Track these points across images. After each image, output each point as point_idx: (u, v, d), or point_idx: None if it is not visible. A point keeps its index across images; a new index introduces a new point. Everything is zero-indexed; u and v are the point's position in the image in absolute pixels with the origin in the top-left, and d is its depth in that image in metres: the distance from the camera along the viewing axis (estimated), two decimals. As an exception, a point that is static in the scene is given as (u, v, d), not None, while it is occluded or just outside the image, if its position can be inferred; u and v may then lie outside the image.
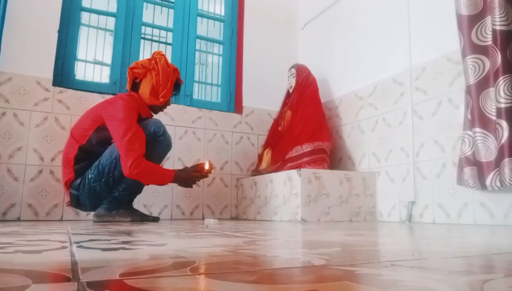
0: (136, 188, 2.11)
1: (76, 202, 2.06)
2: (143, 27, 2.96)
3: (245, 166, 3.05)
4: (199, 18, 3.20)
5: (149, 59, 2.13)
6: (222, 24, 3.31)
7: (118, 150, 1.95)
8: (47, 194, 2.37)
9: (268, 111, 3.18)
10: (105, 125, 2.01)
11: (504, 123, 1.59)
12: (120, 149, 1.92)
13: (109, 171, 1.98)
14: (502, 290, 0.40)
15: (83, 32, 2.78)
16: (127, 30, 2.85)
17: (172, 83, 2.17)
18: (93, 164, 2.01)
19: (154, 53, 2.20)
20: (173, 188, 2.72)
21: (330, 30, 3.07)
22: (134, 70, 2.10)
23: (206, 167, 2.13)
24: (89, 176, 2.00)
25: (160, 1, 3.09)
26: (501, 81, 1.62)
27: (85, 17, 2.81)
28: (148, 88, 2.08)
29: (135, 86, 2.14)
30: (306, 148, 2.56)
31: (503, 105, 1.60)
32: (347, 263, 0.55)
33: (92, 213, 2.11)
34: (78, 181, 2.01)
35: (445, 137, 2.02)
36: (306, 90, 2.78)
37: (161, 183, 2.09)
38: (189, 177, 2.10)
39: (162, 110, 2.27)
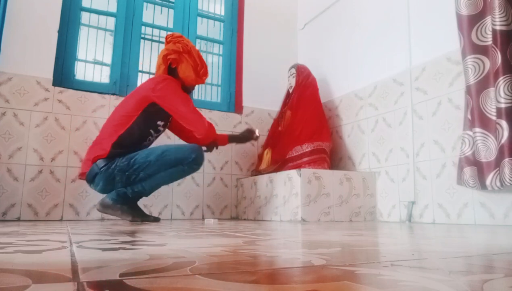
0: (146, 193, 2.13)
1: (91, 178, 2.07)
2: (143, 27, 2.96)
3: (245, 166, 3.05)
4: (199, 18, 3.20)
5: (174, 43, 2.16)
6: (222, 24, 3.31)
7: (185, 122, 2.10)
8: (47, 194, 2.37)
9: (268, 111, 3.18)
10: (150, 108, 2.07)
11: (504, 123, 1.59)
12: (186, 119, 2.09)
13: (137, 169, 2.03)
14: (502, 290, 0.40)
15: (83, 32, 2.78)
16: (127, 30, 2.85)
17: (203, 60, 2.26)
18: (128, 154, 2.05)
19: (171, 36, 2.21)
20: (172, 188, 2.72)
21: (330, 30, 3.07)
22: (169, 57, 2.14)
23: (256, 133, 2.50)
24: (118, 163, 2.03)
25: (160, 1, 3.09)
26: (501, 81, 1.62)
27: (85, 17, 2.81)
28: (190, 70, 2.16)
29: (170, 73, 2.19)
30: (306, 148, 2.56)
31: (503, 105, 1.60)
32: (347, 263, 0.55)
33: (92, 213, 2.10)
34: (105, 162, 2.03)
35: (445, 137, 2.02)
36: (306, 90, 2.78)
37: (224, 143, 2.43)
38: (243, 137, 2.49)
39: (192, 90, 2.34)
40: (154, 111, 2.10)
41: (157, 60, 2.22)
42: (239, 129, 3.07)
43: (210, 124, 2.16)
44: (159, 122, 2.18)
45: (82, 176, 2.15)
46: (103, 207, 2.06)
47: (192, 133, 2.22)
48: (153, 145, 2.23)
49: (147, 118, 2.10)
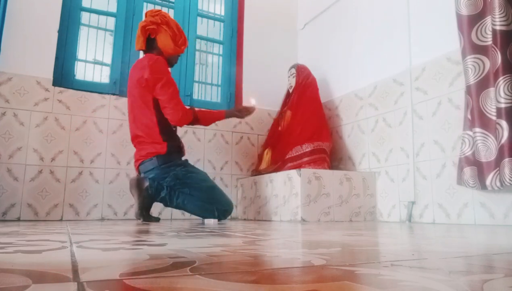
0: (173, 204, 2.21)
1: (148, 170, 2.15)
2: (143, 27, 2.96)
3: (245, 166, 3.05)
4: (199, 18, 3.20)
5: (152, 16, 2.21)
6: (222, 24, 3.31)
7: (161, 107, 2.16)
8: (47, 194, 2.37)
9: (268, 111, 3.18)
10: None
11: (504, 123, 1.59)
12: (163, 107, 2.15)
13: (188, 184, 2.17)
14: (502, 290, 0.40)
15: (83, 32, 2.78)
16: (127, 30, 2.85)
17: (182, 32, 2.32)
18: (188, 168, 2.23)
19: (150, 12, 2.26)
20: (173, 188, 2.72)
21: (330, 30, 3.07)
22: (147, 28, 2.19)
23: (252, 103, 2.53)
24: (177, 168, 2.17)
25: (160, 1, 3.09)
26: (501, 81, 1.62)
27: (85, 17, 2.81)
28: (169, 40, 2.22)
29: (150, 45, 2.24)
30: (306, 148, 2.56)
31: (503, 105, 1.60)
32: (347, 263, 0.55)
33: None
34: (165, 160, 2.14)
35: (445, 138, 2.02)
36: (306, 90, 2.78)
37: (221, 118, 2.48)
38: (239, 111, 2.50)
39: (175, 63, 2.37)
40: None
41: (136, 32, 2.26)
42: (239, 130, 3.07)
43: (185, 114, 2.18)
44: None
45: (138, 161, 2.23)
46: (136, 183, 2.12)
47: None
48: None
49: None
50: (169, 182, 2.15)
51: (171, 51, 2.25)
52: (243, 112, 2.52)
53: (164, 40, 2.22)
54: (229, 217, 2.37)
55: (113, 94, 2.68)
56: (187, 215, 2.75)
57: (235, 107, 2.54)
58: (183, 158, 2.31)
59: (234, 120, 3.06)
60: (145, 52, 2.27)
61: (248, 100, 2.60)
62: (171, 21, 2.25)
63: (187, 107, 2.26)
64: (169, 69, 2.29)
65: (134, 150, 2.26)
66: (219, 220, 2.23)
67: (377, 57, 2.56)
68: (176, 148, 2.23)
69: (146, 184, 2.12)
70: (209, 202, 2.21)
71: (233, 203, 2.37)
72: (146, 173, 2.17)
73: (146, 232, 1.25)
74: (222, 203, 2.25)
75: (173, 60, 2.33)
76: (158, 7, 3.10)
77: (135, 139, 2.22)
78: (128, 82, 2.29)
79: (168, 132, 2.20)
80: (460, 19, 1.84)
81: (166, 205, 2.23)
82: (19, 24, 2.43)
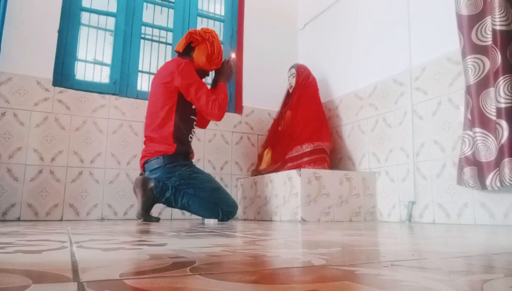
0: (178, 205, 2.23)
1: (153, 169, 2.16)
2: (143, 27, 2.96)
3: (245, 166, 3.05)
4: (199, 18, 3.20)
5: (204, 31, 2.34)
6: (222, 24, 3.31)
7: (196, 106, 2.24)
8: (47, 194, 2.37)
9: (268, 111, 3.18)
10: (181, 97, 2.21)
11: (504, 123, 1.59)
12: (197, 105, 2.22)
13: (192, 184, 2.18)
14: (502, 290, 0.40)
15: (83, 32, 2.78)
16: (127, 30, 2.85)
17: (221, 57, 2.41)
18: (193, 168, 2.24)
19: (206, 28, 2.39)
20: (173, 188, 2.72)
21: (330, 30, 3.07)
22: (193, 36, 2.30)
23: (232, 55, 2.57)
24: (182, 168, 2.18)
25: (160, 1, 3.09)
26: (501, 81, 1.62)
27: (85, 17, 2.81)
28: (204, 55, 2.30)
29: (187, 50, 2.32)
30: (306, 148, 2.56)
31: (503, 105, 1.60)
32: (347, 263, 0.55)
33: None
34: (171, 160, 2.15)
35: (445, 138, 2.02)
36: (306, 90, 2.78)
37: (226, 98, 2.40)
38: (227, 74, 2.43)
39: (201, 78, 2.40)
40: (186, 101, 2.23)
41: (183, 36, 2.37)
42: (239, 130, 3.07)
43: (221, 108, 2.24)
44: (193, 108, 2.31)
45: (142, 170, 2.26)
46: (141, 182, 2.14)
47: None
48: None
49: (183, 107, 2.24)
50: (174, 182, 2.16)
51: (201, 64, 2.31)
52: (227, 69, 2.43)
53: (199, 53, 2.30)
54: (232, 217, 2.37)
55: (113, 94, 2.68)
56: (187, 215, 2.75)
57: (219, 70, 2.43)
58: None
59: (234, 120, 3.06)
60: (179, 54, 2.33)
61: (229, 54, 2.62)
62: (216, 43, 2.35)
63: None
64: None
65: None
66: (223, 221, 2.23)
67: (377, 57, 2.56)
68: (184, 151, 2.25)
69: (151, 184, 2.13)
70: (213, 203, 2.22)
71: (237, 204, 2.37)
72: (151, 172, 2.18)
73: (146, 232, 1.25)
74: (227, 204, 2.26)
75: (200, 74, 2.35)
76: (158, 7, 3.11)
77: (147, 138, 2.24)
78: (152, 83, 2.33)
79: (181, 139, 2.22)
80: (460, 19, 1.84)
81: (170, 205, 2.24)
82: (19, 24, 2.43)
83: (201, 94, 2.19)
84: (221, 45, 2.42)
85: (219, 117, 2.26)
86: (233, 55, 2.60)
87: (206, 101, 2.19)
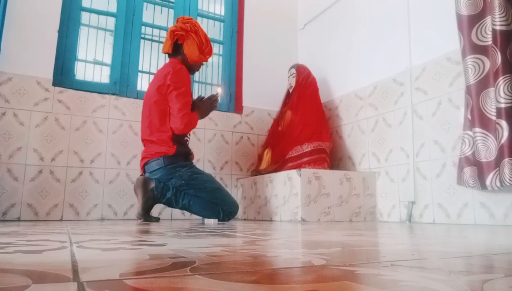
0: (178, 205, 2.23)
1: (154, 170, 2.16)
2: (143, 27, 2.96)
3: (245, 166, 3.05)
4: (199, 18, 3.19)
5: (183, 23, 2.27)
6: (222, 24, 3.31)
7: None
8: (47, 194, 2.37)
9: (268, 111, 3.18)
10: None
11: (504, 123, 1.59)
12: (172, 115, 2.18)
13: (193, 185, 2.18)
14: (502, 290, 0.40)
15: (83, 32, 2.78)
16: (127, 30, 2.85)
17: (210, 44, 2.36)
18: (194, 169, 2.22)
19: (182, 18, 2.32)
20: (173, 188, 2.72)
21: (330, 30, 3.07)
22: (176, 33, 2.24)
23: (218, 90, 2.49)
24: (182, 169, 2.17)
25: (160, 1, 3.09)
26: (501, 81, 1.62)
27: (85, 17, 2.81)
28: (195, 47, 2.26)
29: (176, 49, 2.28)
30: (306, 148, 2.56)
31: (503, 105, 1.60)
32: (347, 263, 0.55)
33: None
34: (171, 161, 2.14)
35: (445, 137, 2.02)
36: (306, 90, 2.78)
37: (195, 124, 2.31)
38: (206, 110, 2.36)
39: (197, 71, 2.41)
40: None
41: (166, 36, 2.31)
42: (239, 130, 3.07)
43: (188, 124, 2.17)
44: None
45: (142, 171, 2.25)
46: (142, 183, 2.14)
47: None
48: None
49: None
50: (175, 183, 2.16)
51: (196, 58, 2.29)
52: (207, 106, 2.36)
53: (190, 47, 2.26)
54: (233, 218, 2.36)
55: (113, 94, 2.68)
56: (187, 215, 2.75)
57: (200, 104, 2.34)
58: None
59: (234, 120, 3.06)
60: (170, 56, 2.32)
61: (215, 89, 2.59)
62: (200, 30, 2.31)
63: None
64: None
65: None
66: (224, 221, 2.23)
67: (377, 57, 2.56)
68: (184, 152, 2.25)
69: (152, 185, 2.14)
70: (214, 203, 2.22)
71: (238, 204, 2.37)
72: (152, 173, 2.18)
73: (146, 232, 1.25)
74: (228, 204, 2.26)
75: (196, 67, 2.37)
76: (158, 7, 3.11)
77: (146, 141, 2.23)
78: (148, 87, 2.32)
79: (180, 140, 2.22)
80: (460, 19, 1.84)
81: (171, 206, 2.24)
82: (19, 24, 2.43)
83: (180, 101, 2.15)
84: (204, 31, 2.36)
85: (179, 129, 2.15)
86: (219, 90, 2.52)
87: (179, 109, 2.14)
